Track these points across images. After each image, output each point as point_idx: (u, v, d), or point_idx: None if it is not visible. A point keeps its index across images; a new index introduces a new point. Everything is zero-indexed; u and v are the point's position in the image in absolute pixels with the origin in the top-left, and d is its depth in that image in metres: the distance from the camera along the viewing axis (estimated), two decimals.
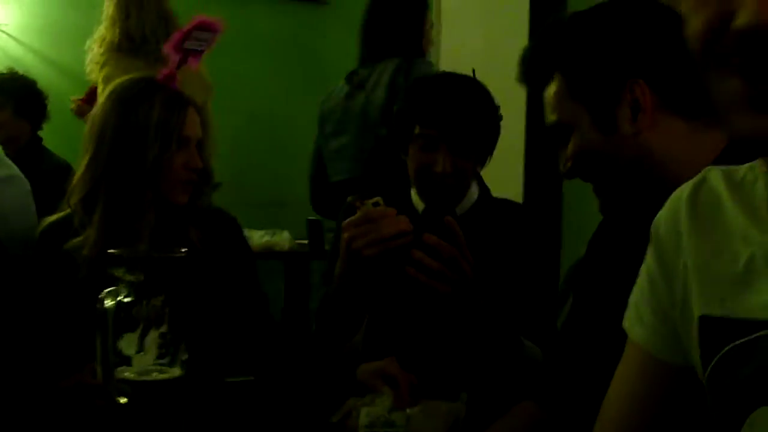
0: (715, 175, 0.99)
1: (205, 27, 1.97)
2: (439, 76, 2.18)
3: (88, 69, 3.85)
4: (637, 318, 1.04)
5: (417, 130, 2.00)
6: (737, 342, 0.87)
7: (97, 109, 1.95)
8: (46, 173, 3.36)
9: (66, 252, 1.88)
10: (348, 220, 1.81)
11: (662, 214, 1.03)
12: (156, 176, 1.90)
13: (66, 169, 4.01)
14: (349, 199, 1.93)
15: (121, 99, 1.92)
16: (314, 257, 4.54)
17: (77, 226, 1.92)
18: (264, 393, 2.01)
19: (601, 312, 1.47)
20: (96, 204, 1.90)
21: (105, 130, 1.91)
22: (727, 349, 0.88)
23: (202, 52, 1.99)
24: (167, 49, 1.96)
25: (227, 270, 2.01)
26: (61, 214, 1.98)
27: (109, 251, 1.20)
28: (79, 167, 1.95)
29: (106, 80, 3.63)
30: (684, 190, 1.01)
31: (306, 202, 3.94)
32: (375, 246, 1.77)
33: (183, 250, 1.24)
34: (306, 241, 4.62)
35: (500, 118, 2.09)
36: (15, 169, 2.97)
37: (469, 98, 2.04)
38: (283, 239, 4.64)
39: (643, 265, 1.05)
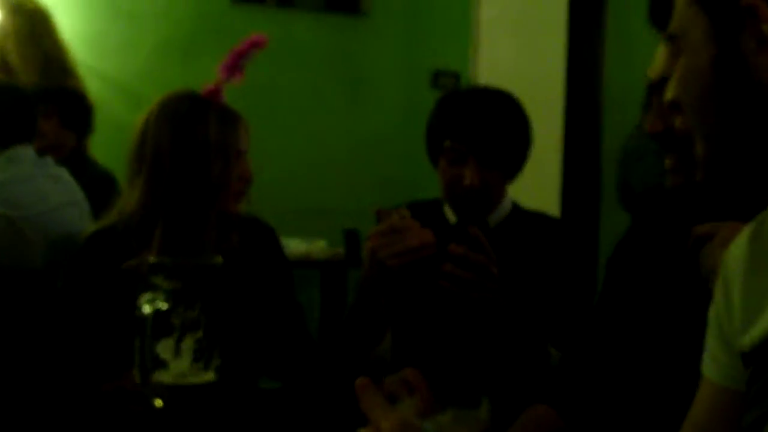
0: None
1: (257, 45, 2.01)
2: (469, 91, 2.21)
3: None
4: (712, 360, 1.03)
5: (447, 144, 2.04)
6: (758, 359, 0.89)
7: (144, 125, 1.96)
8: (89, 183, 3.43)
9: (110, 259, 1.90)
10: (374, 230, 1.85)
11: (734, 243, 1.00)
12: (219, 192, 1.93)
13: (109, 180, 4.08)
14: (377, 209, 1.97)
15: (173, 117, 1.93)
16: (351, 266, 4.57)
17: (130, 240, 1.93)
18: (293, 401, 2.05)
19: (629, 316, 1.48)
20: (155, 222, 1.92)
21: (161, 148, 1.92)
22: (750, 369, 0.91)
23: (244, 66, 2.03)
24: (222, 69, 1.99)
25: (263, 279, 2.05)
26: (107, 222, 2.01)
27: (149, 258, 1.24)
28: (132, 184, 1.96)
29: None
30: (755, 221, 0.97)
31: (343, 211, 3.99)
32: (399, 257, 1.79)
33: (219, 258, 1.28)
34: (343, 250, 4.66)
35: (530, 130, 2.11)
36: (79, 195, 3.07)
37: (498, 112, 2.06)
38: (319, 248, 4.68)
39: (712, 302, 1.03)
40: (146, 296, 1.21)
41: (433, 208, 2.18)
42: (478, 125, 2.02)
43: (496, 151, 2.03)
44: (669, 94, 1.11)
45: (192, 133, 1.91)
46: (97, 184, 3.70)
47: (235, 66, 1.97)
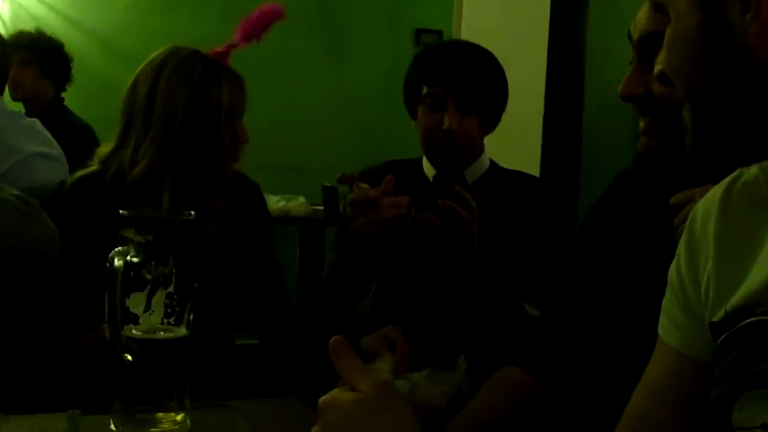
0: (753, 170, 0.94)
1: (274, 17, 2.00)
2: (445, 42, 2.25)
3: None
4: (670, 323, 1.02)
5: (424, 91, 2.06)
6: (729, 332, 0.88)
7: (148, 83, 1.93)
8: (67, 133, 3.39)
9: (94, 207, 1.91)
10: (350, 199, 1.88)
11: (700, 205, 0.99)
12: (228, 157, 1.95)
13: (87, 131, 4.05)
14: (340, 174, 1.97)
15: (188, 80, 1.91)
16: (329, 223, 4.56)
17: (118, 192, 1.91)
18: (269, 356, 2.05)
19: (600, 279, 1.48)
20: (163, 182, 1.90)
21: (174, 111, 1.90)
22: (720, 341, 0.89)
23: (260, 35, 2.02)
24: (236, 36, 1.98)
25: (246, 235, 2.05)
26: (90, 169, 1.99)
27: (120, 212, 1.22)
28: (130, 139, 1.94)
29: None
30: (722, 185, 0.97)
31: (322, 169, 3.98)
32: (373, 226, 1.85)
33: (191, 212, 1.27)
34: (321, 207, 4.65)
35: (505, 81, 2.14)
36: (57, 150, 3.01)
37: (474, 58, 2.10)
38: (298, 204, 4.68)
39: (673, 262, 1.02)
40: (117, 250, 1.19)
41: (411, 166, 2.19)
42: (455, 68, 2.05)
43: (473, 94, 2.04)
44: (658, 66, 1.07)
45: (206, 97, 1.90)
46: (76, 136, 3.67)
47: (252, 34, 1.96)
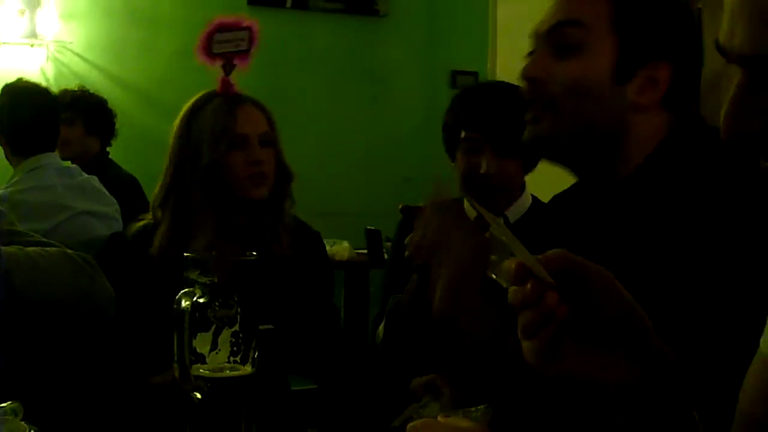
0: None
1: (226, 28, 2.04)
2: (482, 84, 2.26)
3: None
4: None
5: (462, 135, 2.08)
6: None
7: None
8: (112, 185, 3.44)
9: (151, 256, 1.99)
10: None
11: None
12: (214, 177, 1.99)
13: (132, 182, 4.10)
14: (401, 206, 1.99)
15: (186, 113, 2.05)
16: (373, 266, 4.59)
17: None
18: (328, 399, 2.07)
19: None
20: (166, 208, 2.03)
21: (172, 142, 2.05)
22: None
23: (244, 51, 2.05)
24: (202, 58, 2.04)
25: (307, 281, 2.09)
26: (145, 221, 2.08)
27: (185, 254, 1.25)
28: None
29: None
30: None
31: (365, 212, 4.01)
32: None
33: (254, 253, 1.30)
34: (365, 251, 4.67)
35: None
36: (112, 207, 3.07)
37: (511, 100, 2.08)
38: (343, 249, 4.70)
39: None
40: (184, 291, 1.22)
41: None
42: (492, 112, 2.06)
43: (511, 138, 2.04)
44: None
45: (194, 123, 2.01)
46: (121, 187, 3.72)
47: (208, 51, 2.02)
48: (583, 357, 0.83)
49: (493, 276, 0.90)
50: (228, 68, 2.05)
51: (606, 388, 0.84)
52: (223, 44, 2.05)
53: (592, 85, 1.31)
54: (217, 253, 1.26)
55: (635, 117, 1.31)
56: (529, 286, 0.84)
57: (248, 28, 2.06)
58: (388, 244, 3.67)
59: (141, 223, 2.07)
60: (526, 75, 1.41)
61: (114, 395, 1.89)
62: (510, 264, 0.86)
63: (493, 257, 0.91)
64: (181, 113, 2.06)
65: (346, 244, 4.75)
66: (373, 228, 4.53)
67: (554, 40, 1.38)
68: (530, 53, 1.45)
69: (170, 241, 1.96)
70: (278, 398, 2.00)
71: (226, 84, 2.05)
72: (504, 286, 0.87)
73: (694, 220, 1.19)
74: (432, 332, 2.07)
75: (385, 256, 4.21)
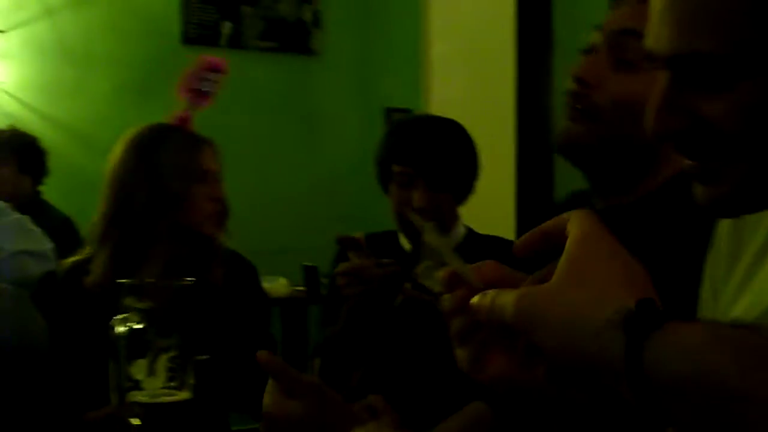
0: None
1: (212, 67, 2.06)
2: (415, 118, 2.29)
3: None
4: None
5: (395, 168, 2.10)
6: None
7: (113, 158, 2.04)
8: (48, 226, 3.42)
9: (85, 289, 1.97)
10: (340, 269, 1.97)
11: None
12: (176, 209, 1.99)
13: (66, 223, 4.08)
14: (337, 236, 2.03)
15: (137, 144, 2.02)
16: (311, 302, 4.59)
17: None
18: None
19: None
20: (108, 239, 1.99)
21: (121, 174, 2.01)
22: None
23: (211, 93, 2.08)
24: (180, 92, 2.05)
25: (242, 310, 2.10)
26: (78, 257, 2.05)
27: (119, 280, 1.27)
28: (97, 211, 2.04)
29: None
30: None
31: (302, 248, 4.02)
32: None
33: (190, 279, 1.31)
34: (302, 287, 4.68)
35: (476, 153, 2.17)
36: (46, 246, 3.05)
37: (442, 134, 2.12)
38: (280, 285, 4.71)
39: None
40: (119, 317, 1.23)
41: (388, 239, 2.23)
42: (423, 147, 2.08)
43: (443, 173, 2.08)
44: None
45: (152, 154, 1.99)
46: (56, 228, 3.69)
47: (195, 88, 2.02)
48: (512, 364, 0.85)
49: (425, 283, 0.93)
50: (195, 106, 2.07)
51: (535, 393, 0.86)
52: (208, 83, 2.08)
53: (642, 105, 1.13)
54: (154, 279, 1.27)
55: None
56: (459, 292, 0.85)
57: (223, 71, 2.10)
58: (325, 280, 3.68)
59: (72, 259, 2.05)
60: (576, 75, 1.34)
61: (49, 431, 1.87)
62: (443, 271, 0.88)
63: (424, 264, 0.94)
64: (127, 146, 2.03)
65: (283, 280, 4.75)
66: (310, 264, 4.54)
67: (614, 47, 1.31)
68: (588, 49, 1.37)
69: (111, 271, 1.93)
70: (216, 427, 1.99)
71: (185, 120, 2.06)
72: (435, 291, 0.90)
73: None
74: (363, 358, 2.11)
75: (323, 292, 4.22)
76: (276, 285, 4.70)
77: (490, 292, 0.81)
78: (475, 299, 0.82)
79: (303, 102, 5.59)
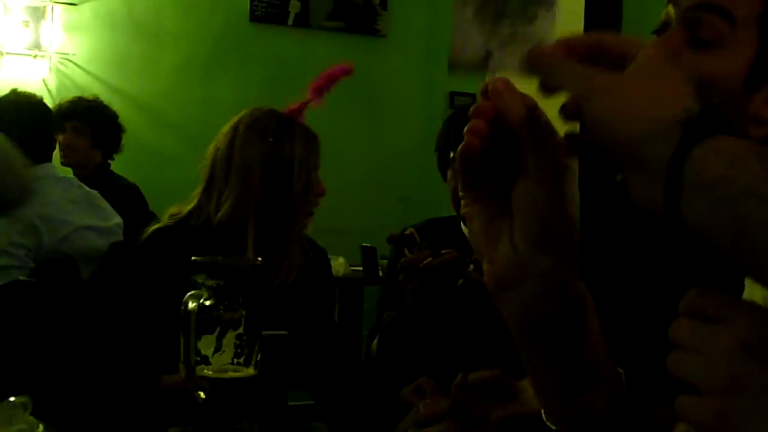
0: None
1: (345, 73, 2.11)
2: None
3: None
4: None
5: (452, 156, 2.12)
6: None
7: (227, 139, 2.07)
8: (116, 193, 3.49)
9: (171, 255, 2.01)
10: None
11: None
12: (300, 206, 2.07)
13: (134, 189, 4.15)
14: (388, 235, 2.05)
15: (263, 134, 2.07)
16: (368, 283, 4.61)
17: (191, 242, 2.04)
18: (324, 414, 2.10)
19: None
20: (245, 228, 2.04)
21: (251, 163, 2.05)
22: None
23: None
24: (309, 88, 2.09)
25: (309, 294, 2.15)
26: (164, 223, 2.11)
27: (192, 258, 1.29)
28: (211, 192, 2.08)
29: None
30: None
31: (361, 230, 4.03)
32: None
33: (259, 258, 1.34)
34: (360, 268, 4.70)
35: None
36: (113, 221, 3.12)
37: None
38: (338, 264, 4.73)
39: None
40: (190, 293, 1.26)
41: (449, 224, 2.24)
42: None
43: None
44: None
45: (280, 150, 2.01)
46: (125, 195, 3.77)
47: (324, 88, 2.06)
48: None
49: None
50: (313, 103, 2.13)
51: None
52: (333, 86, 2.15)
53: (722, 88, 1.00)
54: (224, 257, 1.31)
55: (753, 130, 0.99)
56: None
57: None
58: (384, 261, 3.70)
59: (160, 225, 2.11)
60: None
61: (124, 393, 1.92)
62: None
63: None
64: (245, 131, 2.08)
65: (341, 260, 4.78)
66: (368, 245, 4.56)
67: (689, 22, 1.08)
68: (660, 28, 1.26)
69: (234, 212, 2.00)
70: (278, 403, 2.02)
71: (299, 112, 2.11)
72: None
73: None
74: (425, 347, 2.12)
75: (380, 274, 4.24)
76: (334, 264, 4.72)
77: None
78: None
79: (368, 83, 5.60)
